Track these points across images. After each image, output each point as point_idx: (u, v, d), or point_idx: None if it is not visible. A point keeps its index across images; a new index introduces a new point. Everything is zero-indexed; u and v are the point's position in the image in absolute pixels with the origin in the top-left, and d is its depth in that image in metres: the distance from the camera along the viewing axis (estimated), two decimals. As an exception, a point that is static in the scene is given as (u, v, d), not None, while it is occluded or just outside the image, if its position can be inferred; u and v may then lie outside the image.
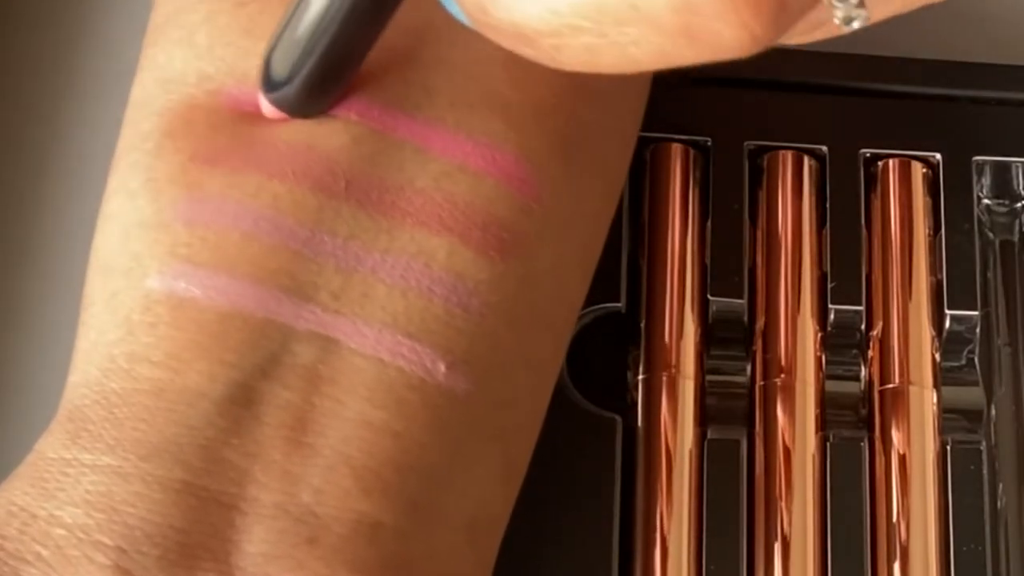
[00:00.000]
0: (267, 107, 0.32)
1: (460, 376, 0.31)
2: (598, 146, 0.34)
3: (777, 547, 0.35)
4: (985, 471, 0.36)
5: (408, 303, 0.31)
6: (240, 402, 0.30)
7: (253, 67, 0.32)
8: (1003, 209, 0.39)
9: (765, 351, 0.37)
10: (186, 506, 0.29)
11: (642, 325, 0.37)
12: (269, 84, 0.31)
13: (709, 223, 0.38)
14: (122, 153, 0.33)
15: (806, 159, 0.39)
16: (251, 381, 0.30)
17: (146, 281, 0.30)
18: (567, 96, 0.33)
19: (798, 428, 0.36)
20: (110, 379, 0.30)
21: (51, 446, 0.30)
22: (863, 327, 0.38)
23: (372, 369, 0.30)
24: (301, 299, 0.30)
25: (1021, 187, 0.39)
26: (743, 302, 0.38)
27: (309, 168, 0.31)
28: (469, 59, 0.32)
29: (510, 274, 0.31)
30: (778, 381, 0.37)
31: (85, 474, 0.29)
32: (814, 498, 0.36)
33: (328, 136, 0.31)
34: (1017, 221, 0.39)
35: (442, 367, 0.30)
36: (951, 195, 0.38)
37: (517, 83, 0.32)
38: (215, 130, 0.32)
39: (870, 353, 0.38)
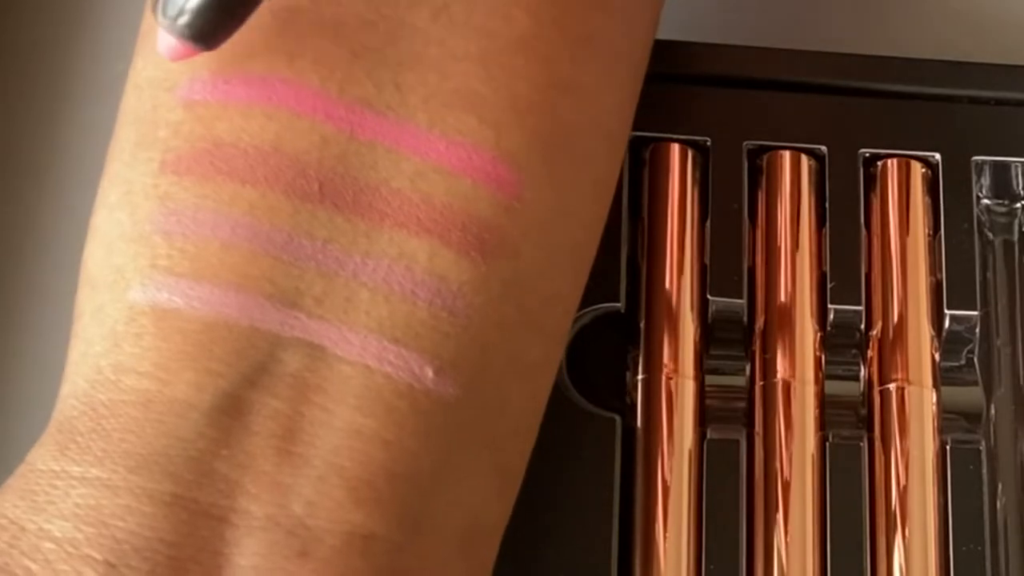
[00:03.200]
0: (166, 43, 0.30)
1: (449, 381, 0.30)
2: (581, 144, 0.33)
3: (776, 547, 0.35)
4: (984, 471, 0.36)
5: (392, 307, 0.30)
6: (228, 412, 0.29)
7: (210, 57, 0.32)
8: (1002, 209, 0.39)
9: (765, 351, 0.37)
10: (176, 519, 0.29)
11: (641, 325, 0.37)
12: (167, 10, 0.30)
13: (708, 223, 0.38)
14: (106, 165, 0.33)
15: (805, 159, 0.39)
16: (239, 390, 0.30)
17: (129, 293, 0.30)
18: (546, 93, 0.33)
19: (798, 428, 0.36)
20: (97, 390, 0.30)
21: (40, 458, 0.30)
22: (863, 327, 0.38)
23: (359, 376, 0.30)
24: (285, 305, 0.30)
25: (1020, 187, 0.39)
26: (743, 302, 0.38)
27: (280, 171, 0.31)
28: (444, 56, 0.32)
29: (495, 275, 0.31)
30: (778, 381, 0.37)
31: (74, 487, 0.29)
32: (814, 498, 0.36)
33: (295, 138, 0.31)
34: (1016, 221, 0.39)
35: (430, 372, 0.30)
36: (950, 195, 0.38)
37: (494, 80, 0.32)
38: (175, 134, 0.31)
39: (870, 353, 0.38)
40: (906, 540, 0.36)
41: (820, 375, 0.37)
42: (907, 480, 0.36)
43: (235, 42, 0.32)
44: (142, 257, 0.31)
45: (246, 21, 0.30)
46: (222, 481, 0.29)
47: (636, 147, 0.38)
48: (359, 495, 0.29)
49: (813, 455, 0.36)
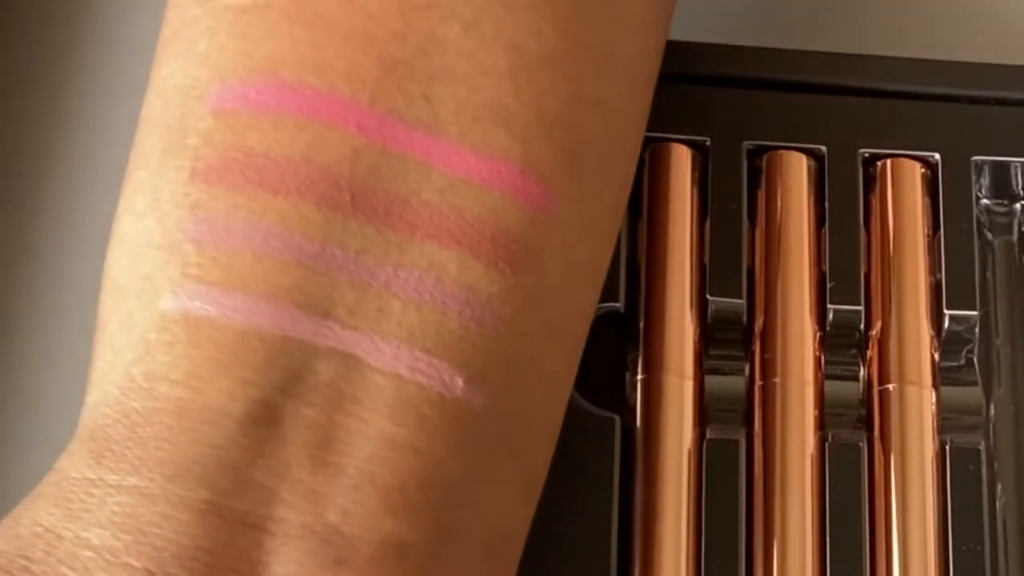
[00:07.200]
0: None
1: (477, 391, 0.30)
2: (603, 156, 0.34)
3: (776, 547, 0.35)
4: (984, 471, 0.36)
5: (423, 318, 0.30)
6: (263, 421, 0.29)
7: (240, 66, 0.32)
8: (1002, 209, 0.39)
9: (764, 351, 0.37)
10: (213, 527, 0.29)
11: (641, 325, 0.37)
12: None
13: (708, 223, 0.38)
14: (130, 172, 0.32)
15: (805, 159, 0.39)
16: (273, 399, 0.30)
17: (160, 302, 0.30)
18: (571, 107, 0.33)
19: (797, 428, 0.36)
20: (130, 398, 0.30)
21: (74, 465, 0.29)
22: (862, 327, 0.38)
23: (392, 386, 0.30)
24: (318, 315, 0.30)
25: (1020, 187, 0.39)
26: (742, 302, 0.38)
27: (312, 182, 0.31)
28: (473, 70, 0.32)
29: (521, 286, 0.31)
30: (777, 381, 0.37)
31: (111, 495, 0.29)
32: (813, 498, 0.36)
33: (327, 149, 0.31)
34: (1016, 221, 0.39)
35: (460, 382, 0.30)
36: (950, 195, 0.38)
37: (521, 94, 0.32)
38: (206, 142, 0.31)
39: (869, 353, 0.38)
40: (905, 540, 0.36)
41: (819, 375, 0.37)
42: (906, 480, 0.36)
43: (267, 52, 0.32)
44: (172, 265, 0.30)
45: None
46: (258, 490, 0.29)
47: (635, 147, 0.38)
48: (392, 503, 0.29)
49: (812, 455, 0.36)
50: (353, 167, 0.31)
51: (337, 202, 0.31)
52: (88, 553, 0.28)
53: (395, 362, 0.30)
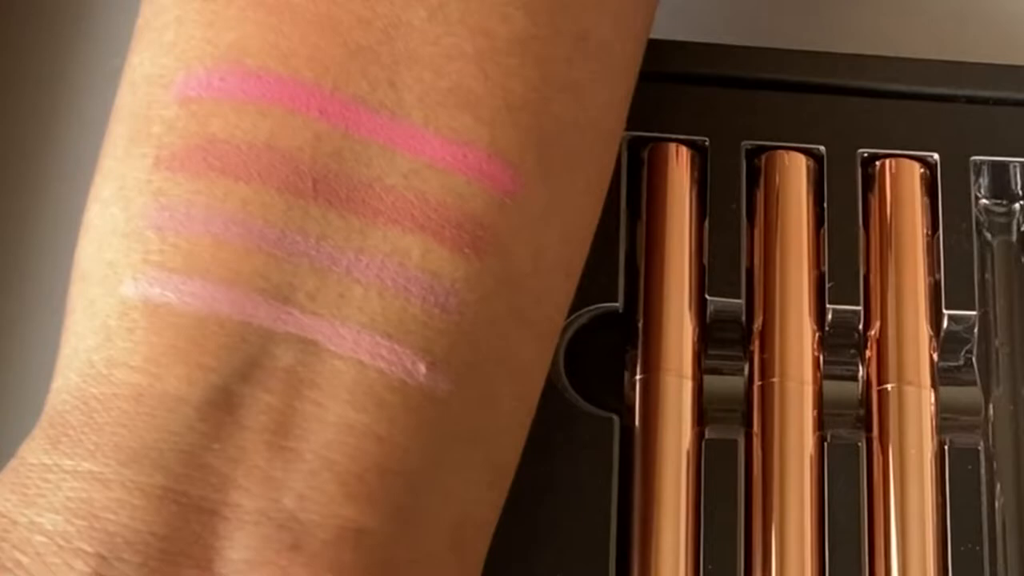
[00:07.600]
0: None
1: (441, 377, 0.30)
2: (575, 141, 0.33)
3: (775, 547, 0.35)
4: (983, 471, 0.36)
5: (385, 303, 0.30)
6: (221, 406, 0.29)
7: (205, 54, 0.32)
8: (1001, 209, 0.39)
9: (763, 351, 0.37)
10: (167, 512, 0.29)
11: (640, 325, 0.37)
12: None
13: (707, 223, 0.38)
14: (99, 161, 0.33)
15: (804, 159, 0.39)
16: (231, 385, 0.30)
17: (121, 288, 0.30)
18: (540, 92, 0.33)
19: (796, 428, 0.36)
20: (89, 384, 0.30)
21: (32, 452, 0.30)
22: (861, 327, 0.38)
23: (352, 371, 0.30)
24: (278, 301, 0.30)
25: (1019, 187, 0.39)
26: (741, 302, 0.38)
27: (273, 168, 0.31)
28: (438, 55, 0.32)
29: (487, 272, 0.31)
30: (776, 381, 0.37)
31: (66, 480, 0.29)
32: (812, 498, 0.36)
33: (289, 134, 0.31)
34: (1015, 221, 0.39)
35: (422, 368, 0.30)
36: (949, 195, 0.38)
37: (488, 79, 0.32)
38: (170, 130, 0.31)
39: (868, 353, 0.38)
40: (904, 540, 0.36)
41: (818, 375, 0.37)
42: (905, 480, 0.36)
43: (232, 40, 0.32)
44: (134, 252, 0.31)
45: None
46: (213, 475, 0.29)
47: (635, 147, 0.38)
48: (351, 489, 0.29)
49: (811, 455, 0.36)
50: (315, 153, 0.31)
51: (299, 188, 0.31)
52: (41, 538, 0.28)
53: (356, 347, 0.30)
